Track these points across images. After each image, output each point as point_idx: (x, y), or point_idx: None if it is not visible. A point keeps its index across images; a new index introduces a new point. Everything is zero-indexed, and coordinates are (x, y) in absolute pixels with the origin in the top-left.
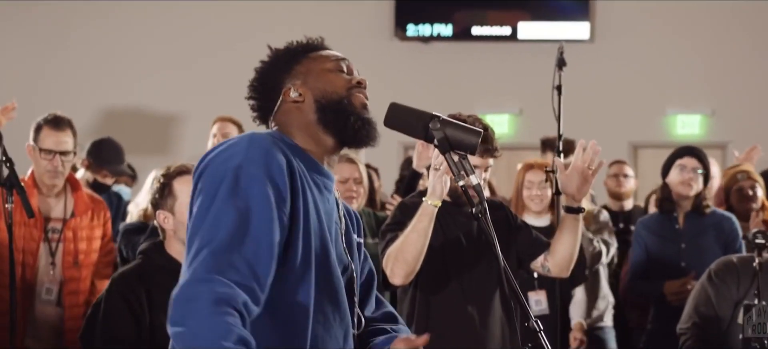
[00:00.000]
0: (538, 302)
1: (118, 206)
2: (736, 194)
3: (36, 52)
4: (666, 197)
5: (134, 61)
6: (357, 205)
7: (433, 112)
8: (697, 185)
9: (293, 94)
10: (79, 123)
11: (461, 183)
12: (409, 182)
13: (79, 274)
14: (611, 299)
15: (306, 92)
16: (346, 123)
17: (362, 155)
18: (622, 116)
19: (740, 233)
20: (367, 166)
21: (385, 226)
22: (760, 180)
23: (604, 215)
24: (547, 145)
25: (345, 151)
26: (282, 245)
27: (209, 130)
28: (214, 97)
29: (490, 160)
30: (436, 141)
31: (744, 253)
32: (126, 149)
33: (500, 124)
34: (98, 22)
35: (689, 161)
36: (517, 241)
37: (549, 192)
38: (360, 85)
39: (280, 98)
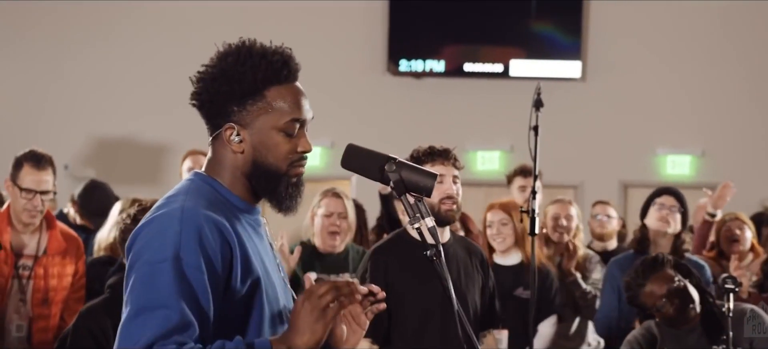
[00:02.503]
0: (499, 340)
1: None
2: (724, 236)
3: (28, 83)
4: (643, 237)
5: (126, 90)
6: (340, 240)
7: (390, 154)
8: (675, 224)
9: (234, 139)
10: (71, 152)
11: (416, 225)
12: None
13: (48, 311)
14: (602, 342)
15: (247, 146)
16: (275, 190)
17: (353, 190)
18: (612, 155)
19: (711, 280)
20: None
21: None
22: (750, 223)
23: (595, 259)
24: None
25: (331, 185)
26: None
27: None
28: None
29: (455, 170)
30: (391, 183)
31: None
32: (117, 179)
33: (491, 161)
34: (90, 52)
35: (666, 200)
36: (481, 292)
37: (510, 229)
38: (303, 159)
39: (220, 130)
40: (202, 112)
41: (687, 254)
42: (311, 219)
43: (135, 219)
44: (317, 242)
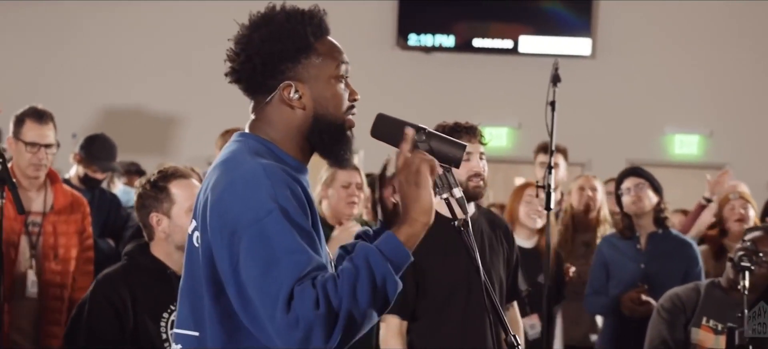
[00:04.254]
0: (532, 326)
1: (111, 206)
2: (728, 214)
3: (36, 52)
4: (627, 224)
5: (134, 60)
6: (357, 211)
7: (419, 124)
8: (647, 198)
9: (293, 96)
10: (79, 123)
11: (445, 196)
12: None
13: (60, 268)
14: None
15: (308, 100)
16: (335, 145)
17: (361, 163)
18: (620, 133)
19: (700, 259)
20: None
21: None
22: (753, 202)
23: None
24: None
25: None
26: None
27: (210, 136)
28: (213, 97)
29: (481, 147)
30: None
31: (702, 280)
32: (126, 149)
33: (499, 137)
34: (98, 21)
35: (629, 182)
36: (506, 264)
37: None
38: (354, 105)
39: (277, 91)
40: (250, 79)
41: (673, 231)
42: (324, 190)
43: (154, 185)
44: (327, 213)
